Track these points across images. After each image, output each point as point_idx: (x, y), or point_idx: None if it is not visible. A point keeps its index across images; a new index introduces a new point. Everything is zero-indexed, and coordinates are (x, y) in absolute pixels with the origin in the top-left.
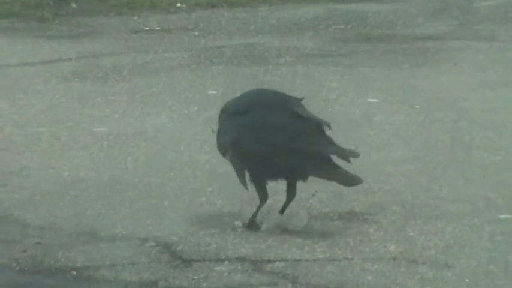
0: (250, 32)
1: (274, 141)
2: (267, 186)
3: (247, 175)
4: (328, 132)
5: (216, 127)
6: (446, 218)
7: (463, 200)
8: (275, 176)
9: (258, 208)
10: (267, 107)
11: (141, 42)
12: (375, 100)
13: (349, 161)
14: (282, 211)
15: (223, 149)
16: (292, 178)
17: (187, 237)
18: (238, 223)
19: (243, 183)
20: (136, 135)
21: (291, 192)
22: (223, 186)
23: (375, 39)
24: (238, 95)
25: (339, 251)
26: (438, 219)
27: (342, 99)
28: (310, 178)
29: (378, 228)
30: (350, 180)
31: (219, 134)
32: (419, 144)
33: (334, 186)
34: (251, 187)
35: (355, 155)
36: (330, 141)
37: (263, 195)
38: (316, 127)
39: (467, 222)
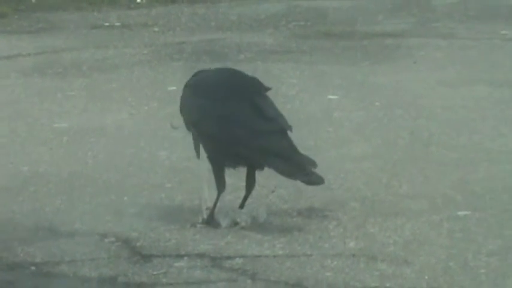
0: (210, 28)
1: (235, 135)
2: (226, 177)
3: (205, 157)
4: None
5: (176, 123)
6: (406, 215)
7: (422, 197)
8: (233, 164)
9: (216, 199)
10: (234, 94)
11: (100, 38)
12: (335, 97)
13: (305, 169)
14: (241, 205)
15: (187, 125)
16: (251, 167)
17: (146, 232)
18: (197, 219)
19: (197, 152)
20: (96, 131)
21: (249, 182)
22: (182, 182)
23: (335, 36)
24: (206, 69)
25: (298, 247)
26: (397, 216)
27: (301, 96)
28: (270, 173)
29: (338, 224)
30: (312, 180)
31: (182, 108)
32: (378, 141)
33: (293, 182)
34: (209, 172)
35: (312, 164)
36: (291, 145)
37: (221, 184)
38: (280, 129)
39: (426, 219)
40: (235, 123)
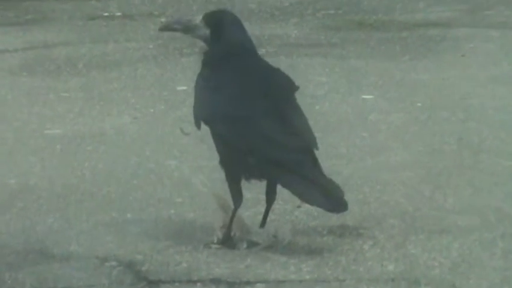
0: None
1: (251, 142)
2: (243, 190)
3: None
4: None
5: (187, 129)
6: (453, 233)
7: (471, 212)
8: (247, 175)
9: (232, 215)
10: (258, 93)
11: (99, 31)
12: (370, 97)
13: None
14: (262, 223)
15: (197, 121)
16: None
17: (153, 255)
18: (212, 239)
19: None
20: (94, 137)
21: (270, 195)
22: (194, 196)
23: (370, 26)
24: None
25: (328, 271)
26: (443, 233)
27: (332, 96)
28: None
29: (374, 244)
30: (334, 207)
31: (195, 101)
32: (420, 147)
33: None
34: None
35: (340, 194)
36: (315, 166)
37: (237, 197)
38: (305, 146)
39: (476, 237)
40: (252, 129)
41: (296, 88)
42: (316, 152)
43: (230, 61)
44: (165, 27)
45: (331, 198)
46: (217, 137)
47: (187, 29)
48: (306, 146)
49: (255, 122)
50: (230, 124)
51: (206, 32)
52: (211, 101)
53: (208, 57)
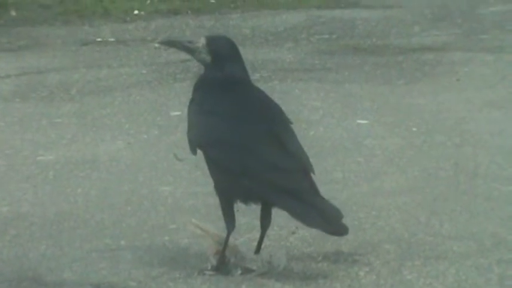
0: None
1: (247, 166)
2: (237, 215)
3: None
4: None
5: (181, 155)
6: (449, 258)
7: (467, 238)
8: (243, 199)
9: (226, 240)
10: (251, 118)
11: (92, 56)
12: (365, 121)
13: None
14: (257, 249)
15: (191, 146)
16: (265, 204)
17: (147, 282)
18: (206, 266)
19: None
20: (87, 163)
21: (264, 220)
22: (188, 222)
23: (365, 51)
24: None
25: None
26: (439, 259)
27: (327, 121)
28: None
29: (370, 270)
30: (334, 230)
31: (188, 125)
32: (416, 172)
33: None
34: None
35: (339, 216)
36: (313, 188)
37: (230, 222)
38: (302, 168)
39: (472, 263)
40: (248, 152)
41: (290, 122)
42: (312, 177)
43: (224, 86)
44: (166, 43)
45: (330, 220)
46: (212, 162)
47: (188, 49)
48: (303, 167)
49: (251, 145)
50: (226, 148)
51: (207, 58)
52: (205, 125)
53: (203, 82)
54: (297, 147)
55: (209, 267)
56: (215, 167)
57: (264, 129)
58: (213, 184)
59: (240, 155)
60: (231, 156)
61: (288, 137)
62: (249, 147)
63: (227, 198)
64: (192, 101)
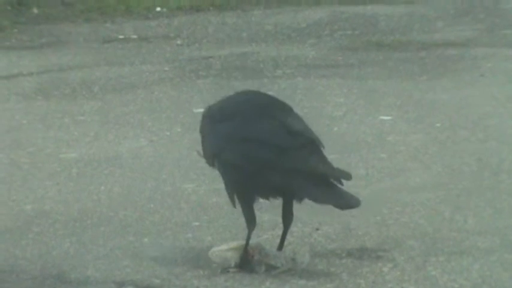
0: (242, 39)
1: (260, 157)
2: (256, 209)
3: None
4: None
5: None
6: (473, 254)
7: (491, 233)
8: (263, 194)
9: (248, 237)
10: (254, 114)
11: (114, 53)
12: (388, 117)
13: (340, 183)
14: (280, 246)
15: (209, 159)
16: (285, 198)
17: (171, 279)
18: (229, 263)
19: (231, 198)
20: (110, 161)
21: (286, 216)
22: (212, 220)
23: (388, 46)
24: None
25: None
26: (463, 255)
27: (350, 117)
28: (314, 209)
29: (394, 266)
30: (345, 202)
31: (203, 142)
32: (440, 168)
33: (341, 218)
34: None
35: (347, 176)
36: (322, 159)
37: (250, 219)
38: (309, 143)
39: (497, 258)
40: (258, 144)
41: (290, 108)
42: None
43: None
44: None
45: (342, 195)
46: (227, 166)
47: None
48: (311, 141)
49: (260, 137)
50: (240, 148)
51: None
52: (217, 132)
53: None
54: (299, 125)
55: (233, 265)
56: (231, 169)
57: (269, 120)
58: (229, 190)
59: (248, 147)
60: (243, 153)
61: (291, 119)
62: (254, 137)
63: (246, 198)
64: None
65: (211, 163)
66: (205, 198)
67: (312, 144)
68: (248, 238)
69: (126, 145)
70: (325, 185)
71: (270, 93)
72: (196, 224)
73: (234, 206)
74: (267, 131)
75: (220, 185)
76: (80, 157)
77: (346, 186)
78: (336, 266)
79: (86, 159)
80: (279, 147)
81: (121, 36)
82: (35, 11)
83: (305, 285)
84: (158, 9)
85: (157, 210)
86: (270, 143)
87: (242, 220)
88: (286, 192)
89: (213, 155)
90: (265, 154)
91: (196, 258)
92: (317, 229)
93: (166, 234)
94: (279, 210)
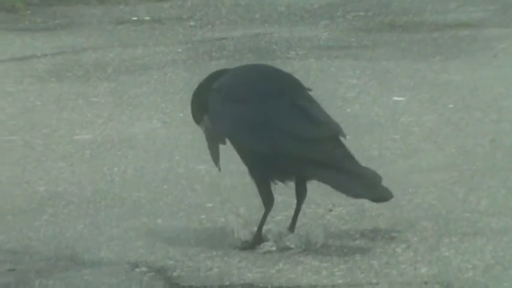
0: (255, 21)
1: (279, 145)
2: (274, 193)
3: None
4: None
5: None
6: (486, 235)
7: (505, 214)
8: (280, 178)
9: (263, 218)
10: (271, 96)
11: (128, 35)
12: (402, 98)
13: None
14: (292, 223)
15: (220, 138)
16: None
17: (184, 260)
18: (244, 243)
19: (215, 162)
20: (123, 142)
21: (300, 192)
22: (225, 200)
23: (401, 27)
24: (234, 70)
25: (361, 274)
26: (477, 236)
27: (363, 98)
28: (327, 189)
29: (407, 247)
30: (379, 195)
31: (212, 117)
32: (453, 149)
33: (354, 199)
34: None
35: (378, 179)
36: (348, 155)
37: (267, 199)
38: (332, 136)
39: (510, 239)
40: (277, 130)
41: (308, 89)
42: (345, 142)
43: (237, 73)
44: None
45: (371, 186)
46: (243, 147)
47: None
48: (333, 135)
49: (277, 123)
50: (253, 131)
51: None
52: (228, 113)
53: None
54: (323, 115)
55: (240, 244)
56: (247, 152)
57: (287, 104)
58: (247, 169)
59: (269, 135)
60: (260, 138)
61: (312, 107)
62: (276, 125)
63: (263, 179)
64: (212, 91)
65: (222, 141)
66: (218, 180)
67: (334, 138)
68: (264, 218)
69: (140, 127)
70: (352, 176)
71: None
72: (210, 205)
73: (218, 169)
74: (285, 117)
75: (234, 166)
76: (94, 139)
77: None
78: (350, 247)
79: (99, 140)
80: (299, 137)
81: (134, 18)
82: None
83: (318, 266)
84: None
85: (170, 192)
86: (289, 131)
87: (256, 201)
88: (305, 178)
89: (225, 135)
90: (282, 142)
91: (209, 239)
92: (330, 210)
93: (180, 215)
94: (293, 191)
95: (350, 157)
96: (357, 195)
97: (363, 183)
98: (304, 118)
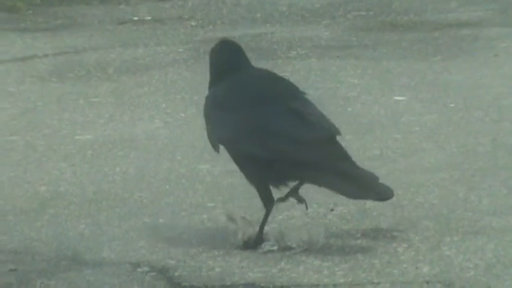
0: (256, 20)
1: (275, 150)
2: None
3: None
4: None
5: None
6: (488, 234)
7: (506, 213)
8: (278, 183)
9: (265, 217)
10: (267, 100)
11: (129, 35)
12: (403, 98)
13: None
14: (282, 198)
15: (214, 146)
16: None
17: (186, 260)
18: (246, 243)
19: (213, 144)
20: (125, 142)
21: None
22: (227, 200)
23: (402, 27)
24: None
25: (362, 274)
26: (478, 235)
27: (364, 98)
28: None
29: (409, 246)
30: (381, 194)
31: (208, 124)
32: (454, 148)
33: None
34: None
35: (375, 178)
36: (344, 156)
37: (267, 199)
38: (327, 137)
39: (511, 238)
40: (272, 135)
41: (303, 93)
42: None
43: (231, 79)
44: None
45: (369, 186)
46: (238, 155)
47: None
48: (330, 136)
49: (273, 128)
50: (250, 138)
51: None
52: (224, 120)
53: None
54: (318, 117)
55: (241, 244)
56: (242, 159)
57: (282, 108)
58: (243, 175)
59: (265, 139)
60: (256, 143)
61: (307, 109)
62: (271, 129)
63: (262, 183)
64: (206, 98)
65: (216, 148)
66: (220, 179)
67: (329, 138)
68: (265, 218)
69: (141, 127)
70: (350, 179)
71: (284, 74)
72: (211, 205)
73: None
74: (280, 122)
75: (235, 166)
76: (95, 139)
77: (362, 166)
78: (351, 247)
79: (100, 140)
80: (294, 140)
81: (135, 18)
82: None
83: (320, 266)
84: None
85: (172, 192)
86: (284, 135)
87: (257, 201)
88: (304, 181)
89: (220, 141)
90: (279, 147)
91: (211, 239)
92: (332, 210)
93: (182, 215)
94: None
95: (346, 158)
96: (355, 197)
97: (360, 185)
98: (299, 121)
